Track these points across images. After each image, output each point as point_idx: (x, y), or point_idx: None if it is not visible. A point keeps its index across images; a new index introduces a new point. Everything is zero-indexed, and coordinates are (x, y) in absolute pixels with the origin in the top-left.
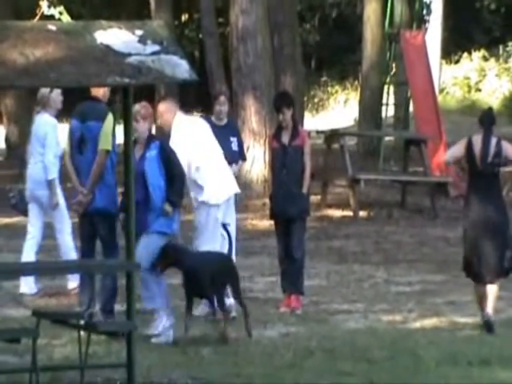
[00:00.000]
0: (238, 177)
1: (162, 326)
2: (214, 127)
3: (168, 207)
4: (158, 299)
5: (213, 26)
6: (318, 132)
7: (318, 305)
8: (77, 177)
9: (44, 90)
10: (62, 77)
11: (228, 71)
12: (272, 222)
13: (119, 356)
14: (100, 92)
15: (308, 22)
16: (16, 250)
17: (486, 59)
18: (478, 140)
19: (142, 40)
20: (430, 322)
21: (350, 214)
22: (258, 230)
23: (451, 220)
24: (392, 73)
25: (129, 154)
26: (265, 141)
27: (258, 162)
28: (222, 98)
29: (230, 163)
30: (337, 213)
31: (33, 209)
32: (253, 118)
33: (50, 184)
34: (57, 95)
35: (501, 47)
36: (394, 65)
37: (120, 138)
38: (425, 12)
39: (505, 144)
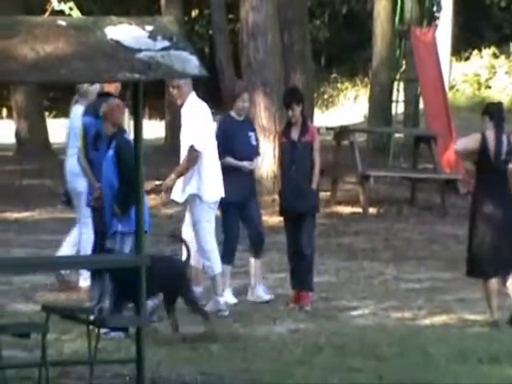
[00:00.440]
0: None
1: None
2: (233, 123)
3: (116, 208)
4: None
5: (223, 22)
6: (327, 128)
7: (328, 301)
8: (92, 173)
9: None
10: (72, 72)
11: (238, 67)
12: (282, 218)
13: (128, 351)
14: (112, 87)
15: (318, 18)
16: (25, 245)
17: (496, 56)
18: (490, 136)
19: (152, 36)
20: (439, 319)
21: (360, 210)
22: (267, 226)
23: (461, 217)
24: (402, 69)
25: (138, 150)
26: (274, 137)
27: (267, 158)
28: (246, 95)
29: (249, 158)
30: (346, 209)
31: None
32: (262, 114)
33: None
34: (94, 88)
35: (511, 44)
36: (403, 61)
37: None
38: (435, 9)
39: None
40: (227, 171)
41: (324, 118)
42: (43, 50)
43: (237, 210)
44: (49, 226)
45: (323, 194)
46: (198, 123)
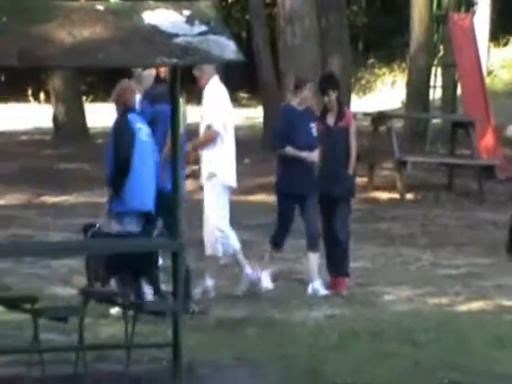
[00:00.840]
0: None
1: None
2: (294, 112)
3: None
4: None
5: (260, 7)
6: (364, 114)
7: (364, 287)
8: None
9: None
10: (110, 57)
11: (275, 52)
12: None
13: (165, 335)
14: (161, 72)
15: (355, 3)
16: (63, 229)
17: None
18: None
19: (190, 20)
20: (476, 305)
21: (397, 196)
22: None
23: (499, 203)
24: (440, 55)
25: (176, 136)
26: None
27: None
28: (310, 86)
29: (309, 148)
30: (383, 195)
31: None
32: None
33: None
34: (148, 74)
35: None
36: (441, 47)
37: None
38: None
39: None
40: (287, 161)
41: (361, 104)
42: (80, 34)
43: (294, 201)
44: (86, 210)
45: (360, 180)
46: (219, 105)
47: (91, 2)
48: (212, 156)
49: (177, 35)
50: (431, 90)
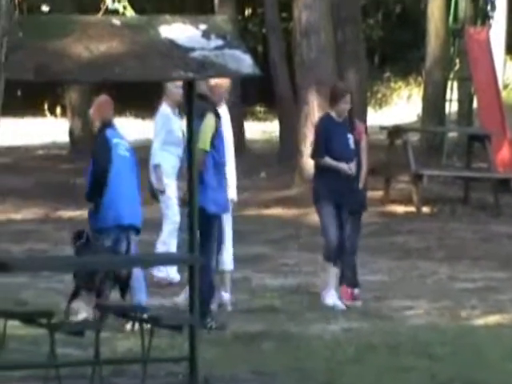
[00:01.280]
0: None
1: None
2: (332, 123)
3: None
4: None
5: (276, 21)
6: (381, 128)
7: (381, 300)
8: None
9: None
10: (127, 71)
11: (291, 66)
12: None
13: (182, 349)
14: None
15: (372, 17)
16: None
17: None
18: None
19: (206, 34)
20: (493, 318)
21: (413, 209)
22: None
23: None
24: (456, 68)
25: (192, 149)
26: None
27: None
28: (348, 97)
29: (346, 160)
30: (399, 208)
31: None
32: (316, 112)
33: (154, 169)
34: (174, 87)
35: None
36: (457, 60)
37: None
38: (489, 8)
39: None
40: (324, 172)
41: (377, 118)
42: (97, 49)
43: (333, 211)
44: None
45: (376, 193)
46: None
47: (108, 16)
48: None
49: (193, 49)
50: (447, 104)
